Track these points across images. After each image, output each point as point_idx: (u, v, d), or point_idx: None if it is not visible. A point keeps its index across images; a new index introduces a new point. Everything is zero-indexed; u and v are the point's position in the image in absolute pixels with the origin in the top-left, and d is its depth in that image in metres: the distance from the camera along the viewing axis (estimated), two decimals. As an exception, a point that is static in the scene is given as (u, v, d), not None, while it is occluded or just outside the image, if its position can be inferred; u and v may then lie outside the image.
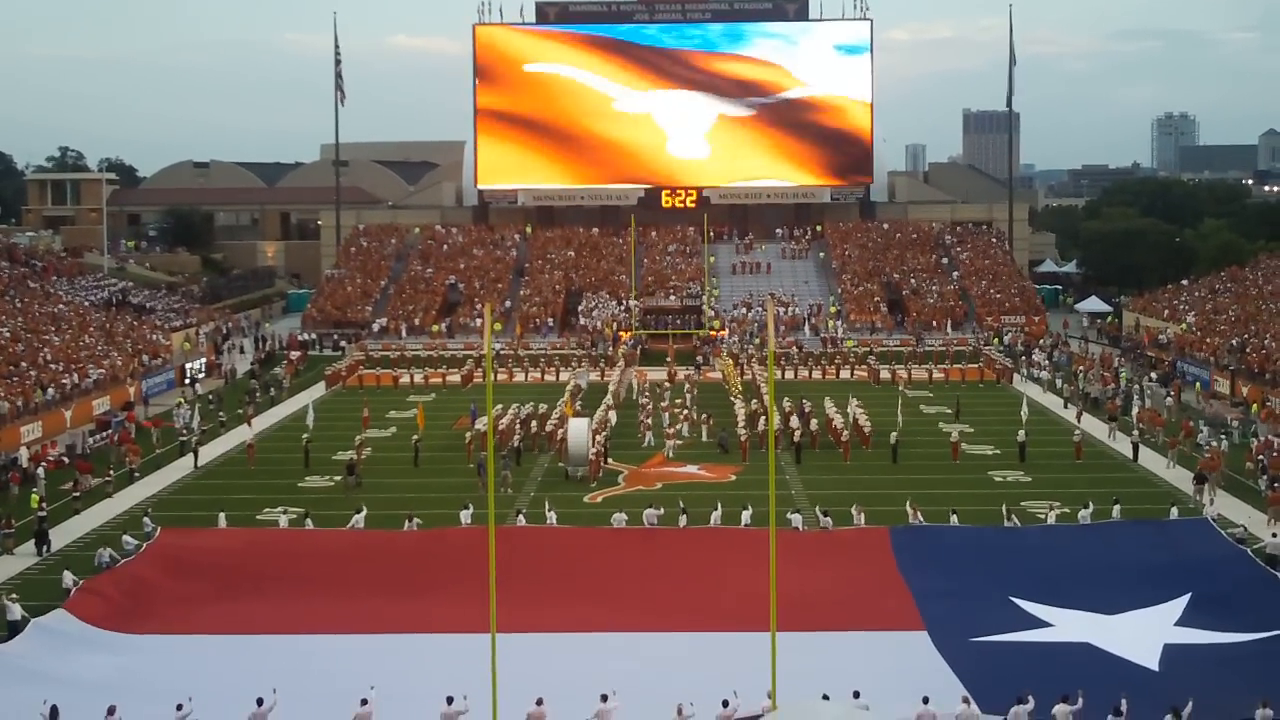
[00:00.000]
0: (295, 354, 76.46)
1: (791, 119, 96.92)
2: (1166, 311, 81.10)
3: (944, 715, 23.73)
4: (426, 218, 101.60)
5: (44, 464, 47.02)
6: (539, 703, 23.89)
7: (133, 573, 33.85)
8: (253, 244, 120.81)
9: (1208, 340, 69.00)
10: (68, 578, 32.51)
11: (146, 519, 38.75)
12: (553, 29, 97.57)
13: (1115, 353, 76.09)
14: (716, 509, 38.25)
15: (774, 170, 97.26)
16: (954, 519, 37.60)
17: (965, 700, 24.12)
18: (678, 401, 57.46)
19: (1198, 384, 63.58)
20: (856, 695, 23.82)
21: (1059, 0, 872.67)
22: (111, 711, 23.59)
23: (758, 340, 76.34)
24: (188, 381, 68.89)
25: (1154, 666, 27.24)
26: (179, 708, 23.79)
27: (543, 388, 64.63)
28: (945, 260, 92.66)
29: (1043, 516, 39.00)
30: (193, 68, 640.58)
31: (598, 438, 48.28)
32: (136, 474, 47.18)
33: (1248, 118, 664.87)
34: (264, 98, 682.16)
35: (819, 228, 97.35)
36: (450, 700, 23.81)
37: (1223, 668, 27.03)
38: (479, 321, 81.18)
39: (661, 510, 38.73)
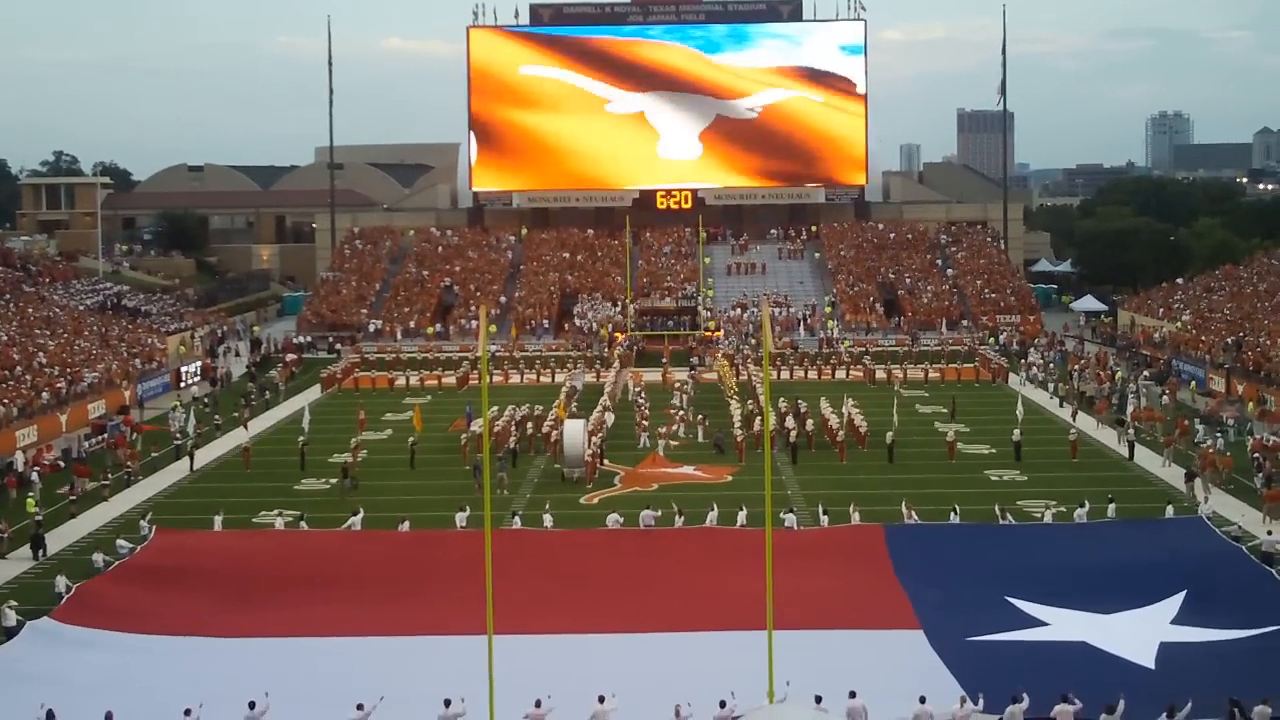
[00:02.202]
0: (290, 357, 76.38)
1: (785, 119, 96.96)
2: (1161, 310, 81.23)
3: (941, 715, 23.77)
4: (421, 220, 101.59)
5: (39, 468, 46.98)
6: (537, 704, 23.90)
7: (128, 575, 33.84)
8: (247, 247, 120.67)
9: (1203, 339, 69.11)
10: (60, 582, 32.50)
11: (143, 522, 38.70)
12: (546, 32, 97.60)
13: (1110, 351, 76.15)
14: (713, 510, 38.24)
15: (768, 171, 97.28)
16: (954, 517, 37.62)
17: (962, 700, 24.17)
18: (673, 403, 57.51)
19: (1193, 382, 63.66)
20: (853, 695, 23.84)
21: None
22: (109, 717, 23.51)
23: (753, 341, 76.40)
24: (196, 382, 68.84)
25: (1150, 665, 27.25)
26: (187, 713, 23.74)
27: (538, 389, 64.63)
28: (940, 260, 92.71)
29: (1038, 515, 39.04)
30: (187, 71, 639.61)
31: (593, 439, 48.31)
32: (137, 477, 47.18)
33: (1242, 116, 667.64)
34: (258, 101, 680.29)
35: (814, 228, 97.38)
36: (448, 703, 23.78)
37: (1219, 665, 27.04)
38: (474, 323, 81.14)
39: (658, 511, 38.75)
